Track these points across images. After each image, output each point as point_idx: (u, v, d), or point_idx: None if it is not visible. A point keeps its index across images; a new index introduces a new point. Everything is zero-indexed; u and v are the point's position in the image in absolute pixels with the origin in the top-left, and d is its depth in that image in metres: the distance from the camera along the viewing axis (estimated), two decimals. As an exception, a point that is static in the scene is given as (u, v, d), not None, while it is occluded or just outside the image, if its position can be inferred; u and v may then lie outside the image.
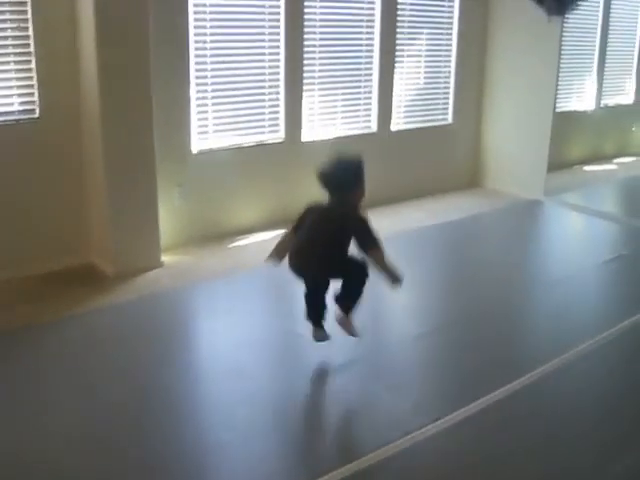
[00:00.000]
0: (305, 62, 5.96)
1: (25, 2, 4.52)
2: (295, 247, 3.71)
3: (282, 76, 5.83)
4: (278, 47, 5.76)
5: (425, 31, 6.92)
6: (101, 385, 3.56)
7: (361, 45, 6.39)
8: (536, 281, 5.23)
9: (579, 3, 6.70)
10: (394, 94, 6.72)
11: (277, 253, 3.83)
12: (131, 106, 4.76)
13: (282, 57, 5.78)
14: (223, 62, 5.52)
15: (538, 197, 7.24)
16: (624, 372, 3.93)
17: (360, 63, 6.42)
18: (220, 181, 5.68)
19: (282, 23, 5.72)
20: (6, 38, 4.54)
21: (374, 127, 6.64)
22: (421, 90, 7.06)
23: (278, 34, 5.73)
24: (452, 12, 7.06)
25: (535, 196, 7.23)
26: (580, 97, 8.91)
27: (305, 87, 6.02)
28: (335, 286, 3.77)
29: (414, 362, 4.01)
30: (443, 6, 7.00)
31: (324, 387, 3.75)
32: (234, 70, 5.60)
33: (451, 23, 7.08)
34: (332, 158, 3.62)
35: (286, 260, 3.77)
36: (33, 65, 4.64)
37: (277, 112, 5.89)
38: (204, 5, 5.29)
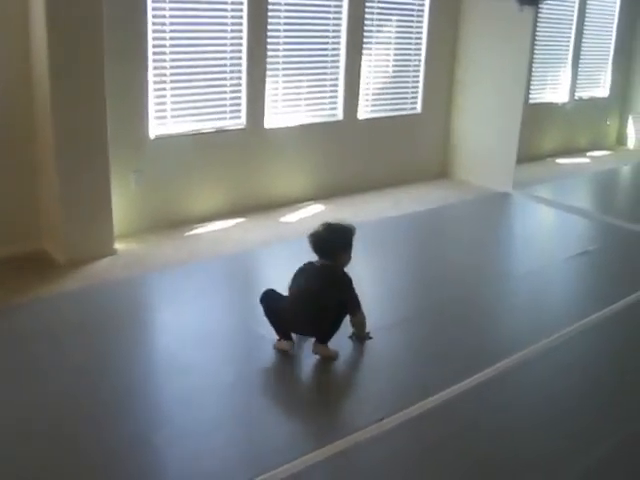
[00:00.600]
0: (269, 46, 5.81)
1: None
2: (287, 303, 3.78)
3: (244, 60, 5.68)
4: (241, 31, 5.61)
5: (395, 18, 6.79)
6: (47, 375, 3.46)
7: (328, 30, 6.25)
8: (503, 274, 5.14)
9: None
10: (361, 81, 6.60)
11: None
12: (83, 90, 4.60)
13: (244, 41, 5.63)
14: (183, 45, 5.36)
15: (507, 189, 7.15)
16: (592, 364, 3.88)
17: (326, 49, 6.29)
18: (179, 168, 5.54)
19: (245, 6, 5.57)
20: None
21: (340, 115, 6.51)
22: (390, 78, 6.93)
23: (241, 17, 5.58)
24: (423, 0, 6.93)
25: (504, 188, 7.15)
26: (554, 89, 8.85)
27: (268, 72, 5.88)
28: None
29: (378, 355, 3.89)
30: (414, -7, 6.88)
31: (274, 385, 3.63)
32: (194, 54, 5.45)
33: (422, 11, 6.95)
34: (327, 222, 3.86)
35: None
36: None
37: (239, 98, 5.75)
38: (163, -14, 5.14)
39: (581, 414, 3.39)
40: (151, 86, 5.25)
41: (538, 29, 7.74)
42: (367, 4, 6.42)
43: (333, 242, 3.78)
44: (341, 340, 3.79)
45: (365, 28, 6.47)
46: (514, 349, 3.89)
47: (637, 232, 6.18)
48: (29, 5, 4.54)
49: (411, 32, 6.96)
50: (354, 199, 6.52)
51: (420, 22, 6.96)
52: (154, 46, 5.18)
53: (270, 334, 3.80)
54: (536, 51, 7.92)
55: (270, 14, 5.75)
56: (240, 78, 5.71)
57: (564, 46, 8.76)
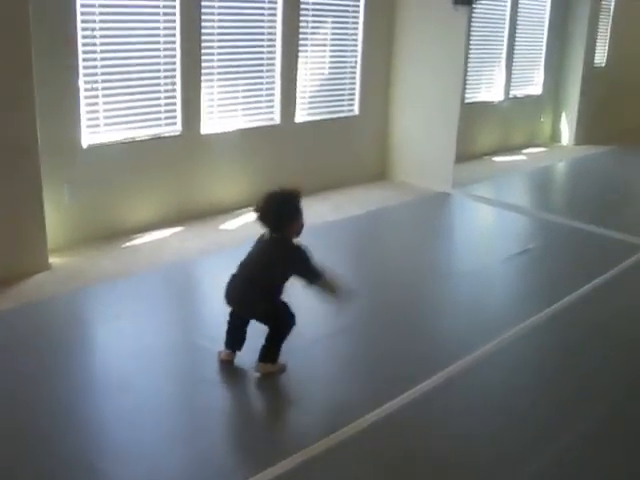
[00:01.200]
0: (203, 51, 5.69)
1: None
2: (230, 277, 3.61)
3: (178, 66, 5.55)
4: (174, 35, 5.48)
5: (330, 20, 6.74)
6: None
7: (263, 34, 6.15)
8: (444, 276, 5.13)
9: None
10: (298, 85, 6.52)
11: None
12: (10, 98, 4.41)
13: (178, 46, 5.50)
14: (114, 51, 5.21)
15: (446, 189, 7.16)
16: (538, 365, 3.91)
17: (262, 52, 6.19)
18: (113, 177, 5.38)
19: (177, 9, 5.44)
20: None
21: (277, 119, 6.42)
22: (326, 81, 6.88)
23: (174, 21, 5.45)
24: (358, 0, 6.88)
25: (443, 188, 7.15)
26: (489, 88, 8.91)
27: (203, 77, 5.75)
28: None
29: (322, 365, 3.84)
30: (348, -6, 6.84)
31: (217, 401, 3.51)
32: (126, 59, 5.29)
33: (357, 12, 6.90)
34: (268, 192, 3.56)
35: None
36: None
37: (174, 104, 5.62)
38: (92, -11, 4.98)
39: (532, 417, 3.38)
40: (82, 93, 5.07)
41: (472, 29, 7.78)
42: (302, 6, 6.34)
43: (277, 213, 3.51)
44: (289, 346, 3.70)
45: (300, 30, 6.39)
46: (459, 354, 3.86)
47: (575, 228, 6.25)
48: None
49: (347, 34, 6.91)
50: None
51: (356, 23, 6.92)
52: (84, 52, 5.01)
53: (212, 346, 3.70)
54: (471, 51, 7.96)
55: (204, 17, 5.63)
56: (174, 84, 5.58)
57: (498, 45, 8.84)
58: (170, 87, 5.56)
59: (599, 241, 6.01)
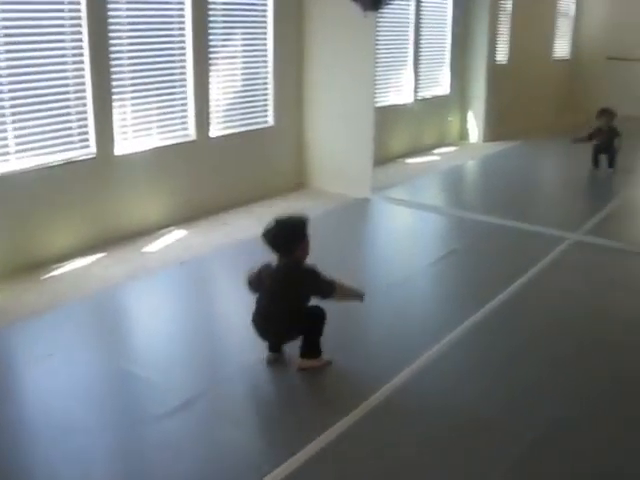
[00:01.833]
0: (113, 69, 5.51)
1: None
2: (255, 311, 3.80)
3: (89, 86, 5.35)
4: (82, 55, 5.28)
5: (240, 31, 6.64)
6: None
7: (173, 49, 6.01)
8: (371, 286, 5.00)
9: (393, -3, 6.69)
10: (211, 99, 6.39)
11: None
12: None
13: (87, 66, 5.31)
14: (18, 74, 4.98)
15: (366, 195, 7.15)
16: (479, 375, 3.85)
17: (174, 68, 6.04)
18: (27, 206, 5.14)
19: (85, 29, 5.25)
20: None
21: (192, 134, 6.28)
22: (239, 93, 6.77)
23: (81, 40, 5.26)
24: (266, 10, 6.81)
25: (363, 194, 7.14)
26: (398, 91, 8.97)
27: (115, 97, 5.57)
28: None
29: (256, 393, 3.73)
30: (256, 4, 6.73)
31: (159, 433, 3.36)
32: (33, 83, 5.08)
33: (265, 22, 6.82)
34: (276, 218, 3.76)
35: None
36: None
37: (86, 126, 5.41)
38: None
39: (482, 427, 3.36)
40: (-12, 120, 4.85)
41: (378, 33, 7.80)
42: (210, 19, 6.22)
43: (285, 238, 3.72)
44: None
45: (210, 43, 6.27)
46: (398, 367, 3.81)
47: (493, 224, 6.35)
48: None
49: (257, 44, 6.83)
50: (217, 219, 6.33)
51: (265, 33, 6.84)
52: (-13, 76, 4.79)
53: (150, 374, 3.56)
54: (379, 55, 7.98)
55: (111, 34, 5.44)
56: (85, 105, 5.38)
57: (404, 49, 8.90)
58: (81, 109, 5.36)
59: (519, 236, 6.11)
